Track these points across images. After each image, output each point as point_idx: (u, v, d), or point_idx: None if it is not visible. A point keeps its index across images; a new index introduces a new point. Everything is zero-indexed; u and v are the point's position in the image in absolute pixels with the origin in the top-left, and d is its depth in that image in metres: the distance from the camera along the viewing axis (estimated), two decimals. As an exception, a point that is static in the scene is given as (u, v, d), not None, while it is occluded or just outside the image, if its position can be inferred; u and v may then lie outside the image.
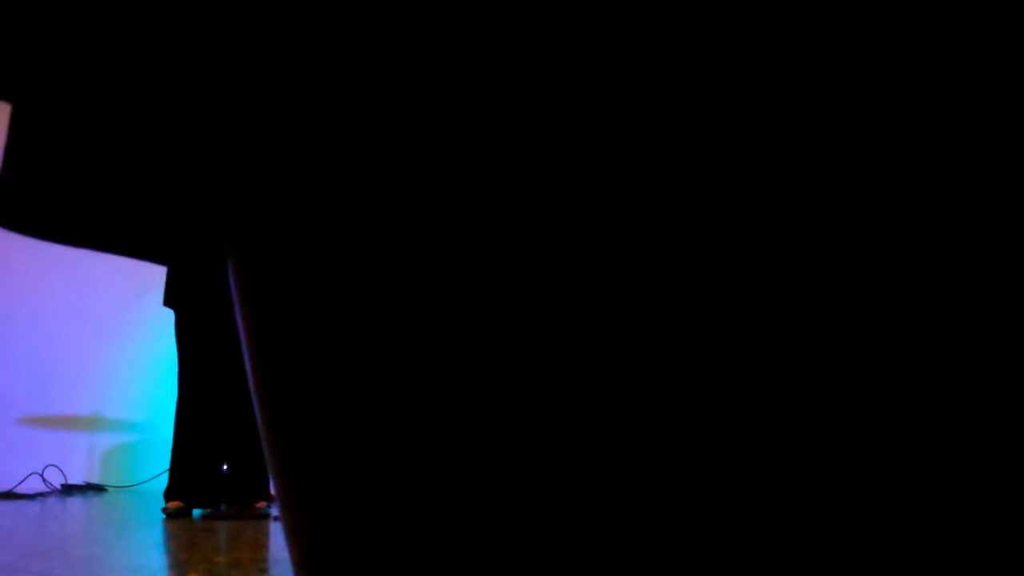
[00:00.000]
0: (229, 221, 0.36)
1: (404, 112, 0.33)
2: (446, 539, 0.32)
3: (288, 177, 0.34)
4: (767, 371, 0.29)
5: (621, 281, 0.30)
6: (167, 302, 3.51)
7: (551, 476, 0.31)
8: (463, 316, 0.32)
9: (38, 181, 0.36)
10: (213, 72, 0.32)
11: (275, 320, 0.35)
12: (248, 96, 0.33)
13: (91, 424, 5.25)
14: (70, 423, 5.16)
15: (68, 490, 4.70)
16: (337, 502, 0.34)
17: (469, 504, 0.32)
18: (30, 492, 4.37)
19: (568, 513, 0.30)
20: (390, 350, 0.34)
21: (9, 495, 4.18)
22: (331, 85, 0.34)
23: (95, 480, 5.06)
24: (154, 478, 4.79)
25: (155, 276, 3.71)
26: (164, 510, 3.36)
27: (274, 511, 3.40)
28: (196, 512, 3.45)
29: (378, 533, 0.33)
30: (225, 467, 3.40)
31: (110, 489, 4.99)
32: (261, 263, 0.35)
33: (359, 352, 0.34)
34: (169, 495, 3.40)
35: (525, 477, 0.31)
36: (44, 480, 4.62)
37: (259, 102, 0.33)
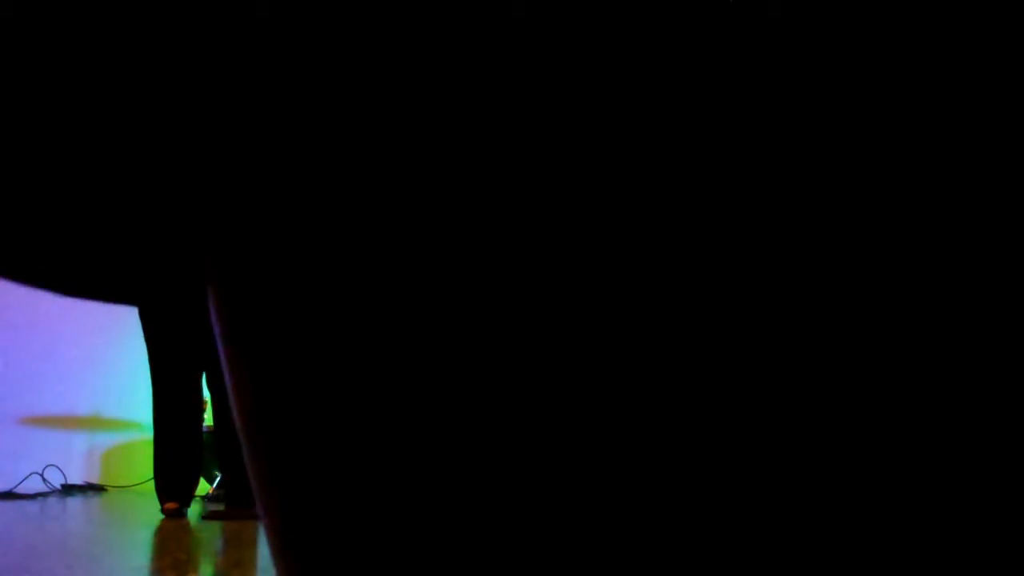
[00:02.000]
0: (210, 238, 0.36)
1: (398, 114, 0.33)
2: (435, 544, 0.32)
3: (278, 185, 0.34)
4: (767, 371, 0.29)
5: (618, 282, 0.30)
6: None
7: (539, 483, 0.31)
8: (452, 317, 0.32)
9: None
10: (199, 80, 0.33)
11: (262, 332, 0.35)
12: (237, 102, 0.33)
13: (91, 424, 5.24)
14: (70, 423, 5.16)
15: (68, 490, 4.70)
16: (323, 508, 0.34)
17: (455, 508, 0.32)
18: (30, 492, 4.37)
19: (558, 516, 0.30)
20: (378, 355, 0.34)
21: (9, 495, 4.18)
22: (322, 90, 0.34)
23: (95, 480, 5.06)
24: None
25: (155, 276, 3.68)
26: (163, 510, 3.36)
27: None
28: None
29: (366, 539, 0.33)
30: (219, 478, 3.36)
31: (110, 489, 4.99)
32: (247, 271, 0.35)
33: (345, 357, 0.34)
34: (162, 496, 3.39)
35: (512, 487, 0.31)
36: (44, 480, 4.62)
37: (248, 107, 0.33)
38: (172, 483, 3.38)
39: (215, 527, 2.99)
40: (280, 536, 0.36)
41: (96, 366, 5.25)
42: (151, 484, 4.84)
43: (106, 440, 5.30)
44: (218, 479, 3.38)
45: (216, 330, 0.39)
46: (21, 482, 4.46)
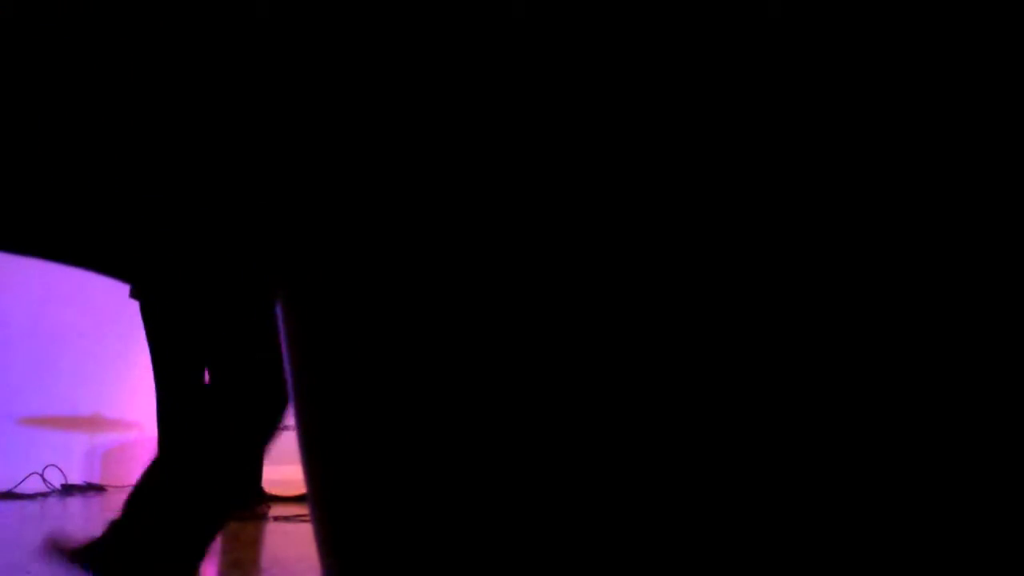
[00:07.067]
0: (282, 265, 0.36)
1: (404, 115, 0.33)
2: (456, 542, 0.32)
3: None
4: (768, 371, 0.29)
5: (619, 283, 0.30)
6: (133, 294, 3.39)
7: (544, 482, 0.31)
8: (452, 318, 0.32)
9: None
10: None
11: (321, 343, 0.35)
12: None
13: (91, 424, 5.24)
14: (70, 423, 5.16)
15: (68, 490, 4.69)
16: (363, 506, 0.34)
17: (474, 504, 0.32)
18: (30, 492, 4.36)
19: (563, 513, 0.30)
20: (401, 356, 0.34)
21: (9, 495, 4.18)
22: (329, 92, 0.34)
23: (95, 480, 5.06)
24: (154, 478, 4.77)
25: (155, 276, 3.67)
26: (163, 510, 3.35)
27: (273, 511, 3.40)
28: None
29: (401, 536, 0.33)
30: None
31: (110, 489, 4.99)
32: (309, 297, 0.36)
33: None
34: None
35: (521, 483, 0.31)
36: (44, 480, 4.62)
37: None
38: None
39: (215, 527, 2.97)
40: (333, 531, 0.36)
41: (96, 366, 5.25)
42: (151, 484, 4.83)
43: (106, 440, 5.30)
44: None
45: (287, 350, 0.39)
46: (21, 482, 4.45)
